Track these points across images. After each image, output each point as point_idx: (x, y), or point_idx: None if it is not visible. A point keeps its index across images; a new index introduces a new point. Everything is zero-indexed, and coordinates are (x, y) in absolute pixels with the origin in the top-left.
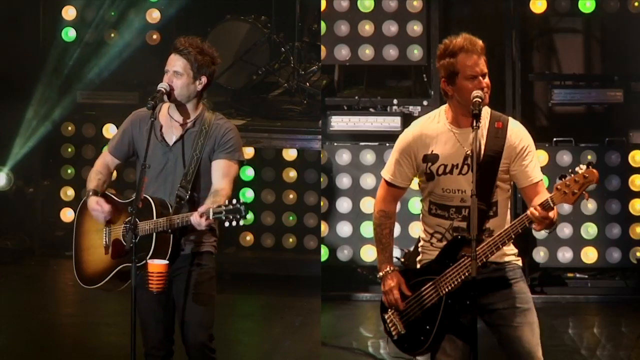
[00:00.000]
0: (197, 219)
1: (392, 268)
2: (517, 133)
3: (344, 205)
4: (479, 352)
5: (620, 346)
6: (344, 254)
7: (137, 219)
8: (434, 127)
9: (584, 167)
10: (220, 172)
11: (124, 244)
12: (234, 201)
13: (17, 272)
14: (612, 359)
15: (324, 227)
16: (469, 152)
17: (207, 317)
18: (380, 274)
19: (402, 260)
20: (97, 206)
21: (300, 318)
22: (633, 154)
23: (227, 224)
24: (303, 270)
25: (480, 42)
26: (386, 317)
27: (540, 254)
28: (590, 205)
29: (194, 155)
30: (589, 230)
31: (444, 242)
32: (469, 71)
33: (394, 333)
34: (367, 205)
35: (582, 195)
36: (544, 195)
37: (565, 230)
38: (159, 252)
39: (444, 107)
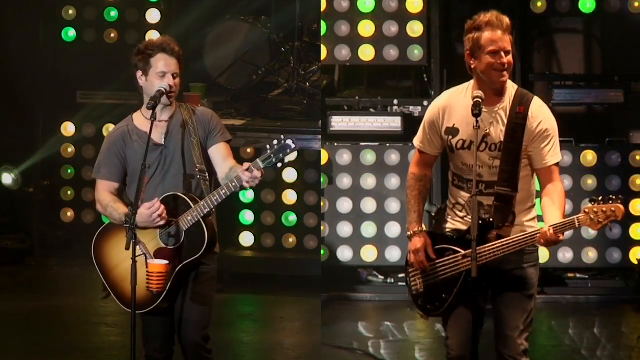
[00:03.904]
0: (247, 176)
1: (420, 228)
2: (538, 116)
3: (344, 205)
4: (479, 353)
5: (620, 346)
6: (344, 254)
7: (172, 218)
8: (461, 100)
9: (615, 200)
10: (224, 154)
11: (170, 248)
12: (275, 141)
13: (17, 272)
14: None
15: (324, 227)
16: (487, 131)
17: (205, 317)
18: (409, 233)
19: (433, 215)
20: (154, 209)
21: (300, 318)
22: (633, 154)
23: (279, 165)
24: (303, 270)
25: (507, 20)
26: (410, 271)
27: (540, 254)
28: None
29: (192, 140)
30: (589, 230)
31: (464, 214)
32: (492, 46)
33: (413, 288)
34: (367, 205)
35: (606, 226)
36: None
37: None
38: (211, 240)
39: (472, 82)
